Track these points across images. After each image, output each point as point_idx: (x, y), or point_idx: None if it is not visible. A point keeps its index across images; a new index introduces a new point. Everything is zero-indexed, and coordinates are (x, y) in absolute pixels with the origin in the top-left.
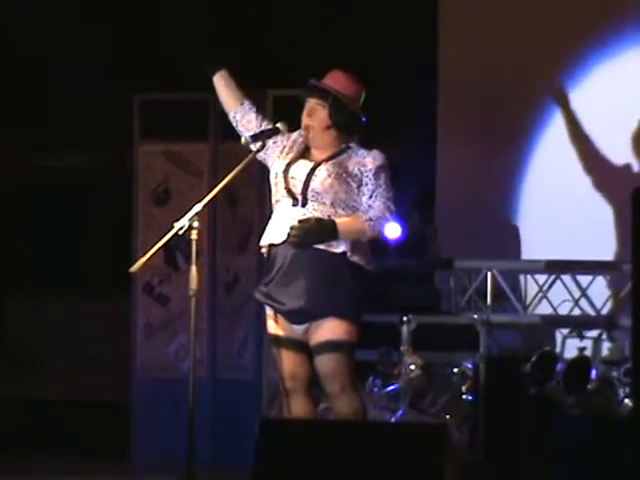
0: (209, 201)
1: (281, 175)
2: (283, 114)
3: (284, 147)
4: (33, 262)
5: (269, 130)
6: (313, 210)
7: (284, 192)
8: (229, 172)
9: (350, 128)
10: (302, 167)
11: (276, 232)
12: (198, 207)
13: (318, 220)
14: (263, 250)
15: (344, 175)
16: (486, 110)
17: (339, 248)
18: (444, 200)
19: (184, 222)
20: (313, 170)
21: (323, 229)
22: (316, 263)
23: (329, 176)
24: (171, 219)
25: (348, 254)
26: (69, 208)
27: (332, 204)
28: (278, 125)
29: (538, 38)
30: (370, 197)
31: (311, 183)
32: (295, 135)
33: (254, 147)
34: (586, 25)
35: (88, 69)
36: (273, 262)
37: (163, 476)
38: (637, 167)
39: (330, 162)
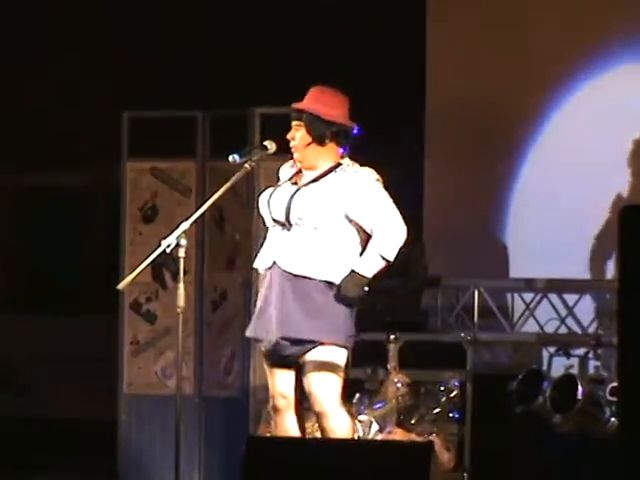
0: (197, 219)
1: (265, 204)
2: (271, 132)
3: (281, 176)
4: (20, 279)
5: (257, 148)
6: (298, 235)
7: (271, 221)
8: (217, 190)
9: (332, 138)
10: (283, 193)
11: (263, 257)
12: (186, 225)
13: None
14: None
15: (326, 198)
16: (473, 127)
17: (325, 276)
18: (431, 217)
19: (171, 240)
20: (293, 196)
21: (356, 283)
22: (300, 290)
23: (308, 201)
24: (158, 236)
25: (336, 282)
26: (56, 225)
27: (316, 228)
28: (266, 144)
29: (526, 54)
30: (374, 217)
31: (292, 209)
32: (290, 165)
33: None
34: (574, 42)
35: (76, 87)
36: (260, 288)
37: None
38: (626, 185)
39: (311, 185)
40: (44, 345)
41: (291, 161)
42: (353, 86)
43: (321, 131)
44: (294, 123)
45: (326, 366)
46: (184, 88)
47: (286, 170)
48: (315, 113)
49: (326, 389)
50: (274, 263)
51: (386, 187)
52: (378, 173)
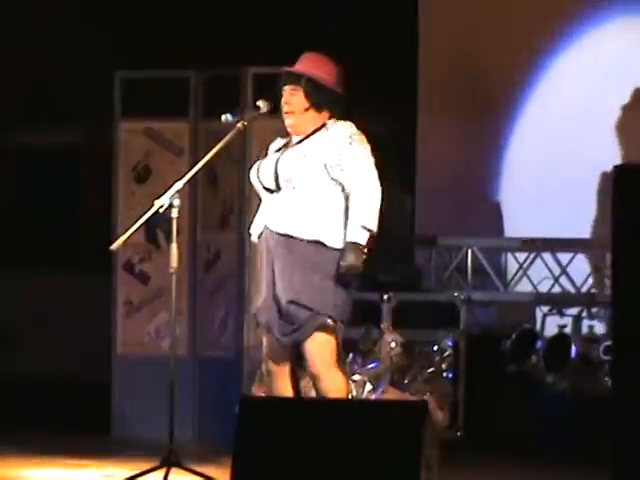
0: (190, 179)
1: (254, 178)
2: (263, 92)
3: (271, 151)
4: (13, 239)
5: (250, 108)
6: (286, 196)
7: (263, 190)
8: (210, 150)
9: (330, 106)
10: (270, 160)
11: (256, 225)
12: (179, 185)
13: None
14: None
15: (310, 157)
16: (467, 86)
17: (313, 236)
18: (425, 177)
19: (165, 200)
20: (277, 161)
21: (356, 252)
22: (293, 253)
23: (293, 160)
24: (151, 197)
25: (325, 242)
26: (49, 185)
27: (304, 187)
28: (259, 103)
29: (519, 11)
30: (349, 178)
31: (279, 171)
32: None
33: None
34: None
35: (68, 46)
36: (255, 255)
37: (144, 453)
38: (619, 143)
39: (296, 146)
40: (38, 304)
41: (279, 137)
42: (347, 42)
43: (320, 97)
44: (289, 87)
45: (321, 329)
46: (177, 48)
47: (275, 144)
48: (315, 78)
49: (321, 351)
50: (265, 227)
51: (375, 144)
52: (366, 132)
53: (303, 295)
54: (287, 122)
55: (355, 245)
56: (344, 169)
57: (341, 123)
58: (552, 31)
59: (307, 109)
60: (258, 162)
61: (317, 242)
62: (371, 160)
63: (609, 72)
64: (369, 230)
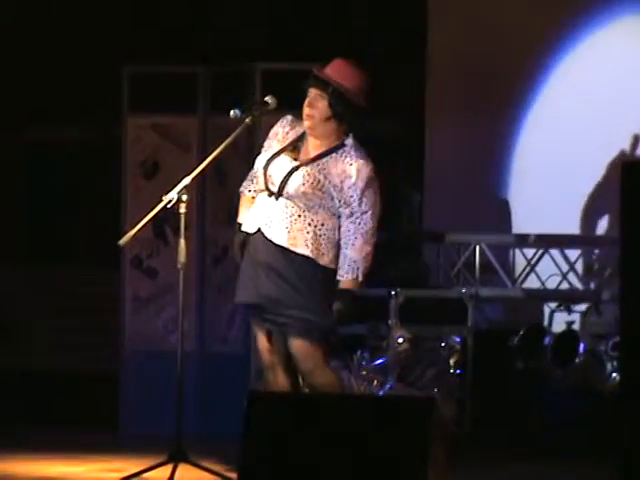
0: (198, 174)
1: (261, 171)
2: (272, 87)
3: (278, 137)
4: (22, 233)
5: (258, 103)
6: (285, 206)
7: (262, 186)
8: (218, 145)
9: (351, 119)
10: (281, 166)
11: (252, 221)
12: (187, 180)
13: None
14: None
15: (322, 183)
16: (475, 83)
17: (307, 252)
18: (433, 174)
19: (173, 195)
20: (290, 173)
21: (348, 300)
22: (284, 265)
23: (304, 184)
24: (160, 192)
25: (317, 260)
26: (58, 180)
27: (304, 206)
28: (267, 99)
29: (527, 10)
30: (350, 218)
31: (286, 186)
32: (296, 127)
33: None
34: None
35: (77, 41)
36: (246, 251)
37: (151, 448)
38: (627, 140)
39: (310, 165)
40: (47, 299)
41: (289, 120)
42: (355, 41)
43: (344, 110)
44: (315, 91)
45: (307, 336)
46: (185, 43)
47: (284, 129)
48: (343, 90)
49: (308, 349)
50: (259, 230)
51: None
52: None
53: (291, 302)
54: (306, 124)
55: (347, 293)
56: (354, 211)
57: (363, 162)
58: (561, 29)
59: (329, 118)
60: (266, 156)
61: (309, 258)
62: (378, 208)
63: (618, 69)
64: (360, 279)
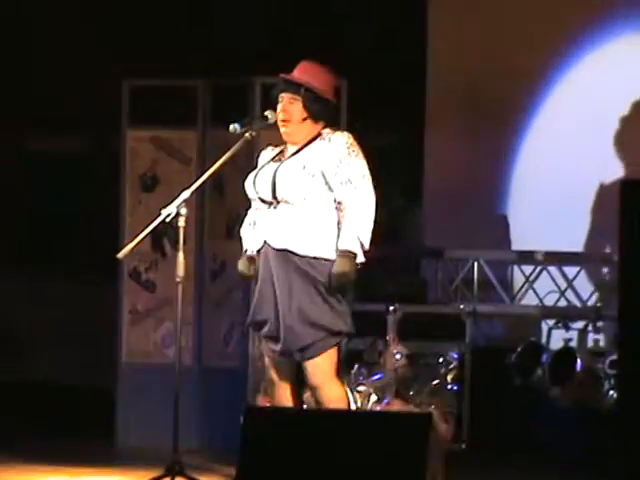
0: (197, 188)
1: (252, 187)
2: (271, 102)
3: (263, 160)
4: (19, 245)
5: (258, 118)
6: (283, 212)
7: (258, 202)
8: (217, 159)
9: (327, 117)
10: (267, 172)
11: (253, 239)
12: (186, 194)
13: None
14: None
15: (307, 167)
16: (476, 99)
17: (312, 252)
18: (432, 189)
19: (172, 209)
20: (276, 171)
21: (350, 260)
22: (294, 270)
23: (291, 174)
24: (158, 205)
25: (324, 256)
26: (56, 193)
27: (304, 199)
28: (267, 113)
29: (527, 25)
30: (342, 187)
31: (277, 187)
32: (276, 148)
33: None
34: (577, 11)
35: (77, 54)
36: (256, 270)
37: (148, 462)
38: (626, 159)
39: (292, 158)
40: (42, 311)
41: (270, 147)
42: (355, 55)
43: (318, 108)
44: (287, 95)
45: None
46: (185, 57)
47: (267, 154)
48: (315, 89)
49: (322, 365)
50: (265, 243)
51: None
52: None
53: (309, 314)
54: (283, 130)
55: (348, 253)
56: (342, 181)
57: (339, 133)
58: (562, 45)
59: (305, 119)
60: (253, 172)
61: (316, 258)
62: (368, 174)
63: (619, 86)
64: (362, 244)
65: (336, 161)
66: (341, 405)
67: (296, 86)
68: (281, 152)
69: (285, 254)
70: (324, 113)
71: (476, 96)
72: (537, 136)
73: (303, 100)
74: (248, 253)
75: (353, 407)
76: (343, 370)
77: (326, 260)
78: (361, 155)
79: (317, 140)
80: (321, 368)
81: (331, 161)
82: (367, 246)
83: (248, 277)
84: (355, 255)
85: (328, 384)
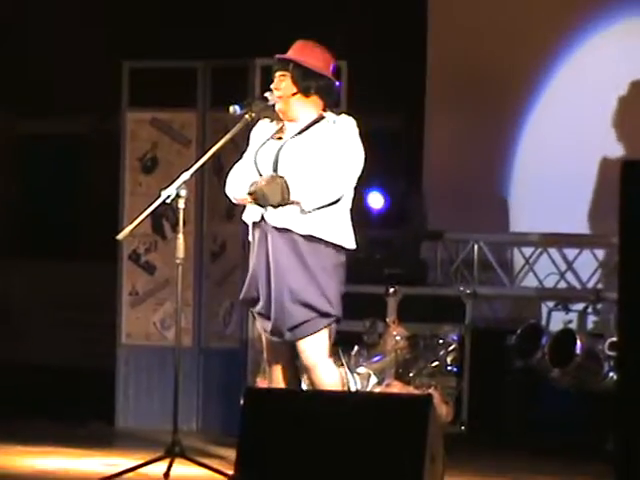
0: (197, 170)
1: (252, 164)
2: (271, 84)
3: (257, 135)
4: (19, 227)
5: (258, 99)
6: None
7: (258, 177)
8: (217, 141)
9: (318, 91)
10: (269, 149)
11: (251, 210)
12: (186, 175)
13: (273, 178)
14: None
15: (310, 149)
16: (476, 79)
17: (309, 230)
18: (431, 171)
19: (171, 190)
20: (280, 149)
21: (277, 187)
22: (291, 248)
23: (295, 153)
24: (158, 187)
25: (321, 236)
26: (56, 175)
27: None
28: (267, 95)
29: (530, 6)
30: (326, 169)
31: (279, 162)
32: (274, 123)
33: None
34: None
35: (76, 35)
36: (251, 244)
37: (148, 444)
38: (627, 140)
39: (297, 138)
40: (44, 293)
41: (263, 121)
42: (355, 37)
43: (307, 82)
44: (279, 73)
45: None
46: (185, 38)
47: (261, 129)
48: (302, 64)
49: (314, 346)
50: (262, 219)
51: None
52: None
53: (300, 294)
54: (278, 107)
55: (284, 183)
56: (330, 157)
57: (345, 118)
58: (565, 26)
59: (294, 94)
60: (254, 148)
61: (313, 237)
62: (354, 170)
63: (621, 68)
64: (305, 199)
65: (338, 144)
66: (334, 386)
67: (286, 63)
68: (279, 130)
69: (283, 233)
70: (315, 87)
71: (477, 79)
72: (538, 118)
73: (292, 75)
74: (244, 220)
75: (353, 389)
76: (343, 352)
77: (323, 241)
78: (360, 147)
79: (322, 122)
80: (313, 349)
81: (333, 144)
82: (307, 208)
83: None
84: (288, 194)
85: (321, 365)
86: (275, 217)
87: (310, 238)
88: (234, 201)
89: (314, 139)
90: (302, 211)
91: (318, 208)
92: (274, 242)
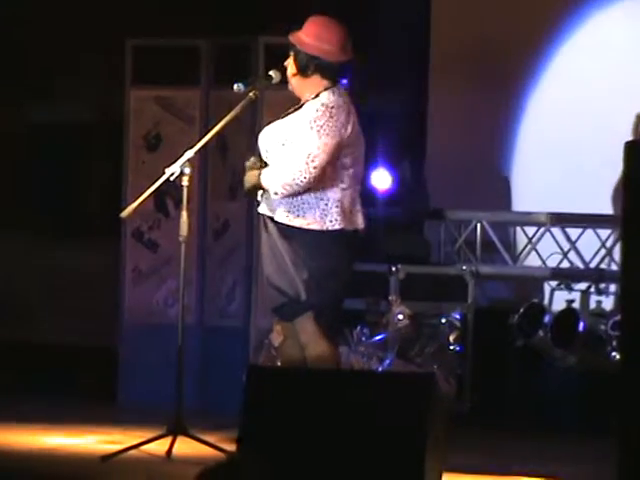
0: (200, 148)
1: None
2: (276, 61)
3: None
4: (21, 205)
5: (262, 77)
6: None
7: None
8: (221, 119)
9: (316, 71)
10: (265, 132)
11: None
12: (189, 153)
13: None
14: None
15: (288, 128)
16: (479, 61)
17: (279, 217)
18: (435, 150)
19: (175, 168)
20: (265, 132)
21: (252, 174)
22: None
23: (273, 134)
24: (162, 165)
25: (292, 223)
26: (59, 153)
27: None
28: (271, 73)
29: None
30: (294, 150)
31: (264, 145)
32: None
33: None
34: None
35: (79, 14)
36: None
37: (150, 421)
38: (630, 120)
39: (281, 120)
40: (47, 271)
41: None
42: (357, 19)
43: (304, 63)
44: (290, 52)
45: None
46: (188, 16)
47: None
48: (299, 45)
49: (299, 325)
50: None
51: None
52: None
53: (272, 278)
54: (290, 87)
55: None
56: (300, 135)
57: (323, 94)
58: (567, 6)
59: (294, 74)
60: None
61: (282, 223)
62: (318, 149)
63: (623, 49)
64: (270, 189)
65: (308, 121)
66: (327, 364)
67: (292, 44)
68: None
69: (264, 219)
70: (312, 67)
71: (479, 58)
72: (541, 97)
73: (293, 55)
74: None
75: (356, 367)
76: (345, 330)
77: (295, 227)
78: (331, 118)
79: (309, 102)
80: (304, 329)
81: (301, 125)
82: (273, 193)
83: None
84: (259, 179)
85: (314, 344)
86: (261, 205)
87: (281, 224)
88: None
89: (292, 120)
90: (274, 195)
91: (289, 194)
92: (259, 229)
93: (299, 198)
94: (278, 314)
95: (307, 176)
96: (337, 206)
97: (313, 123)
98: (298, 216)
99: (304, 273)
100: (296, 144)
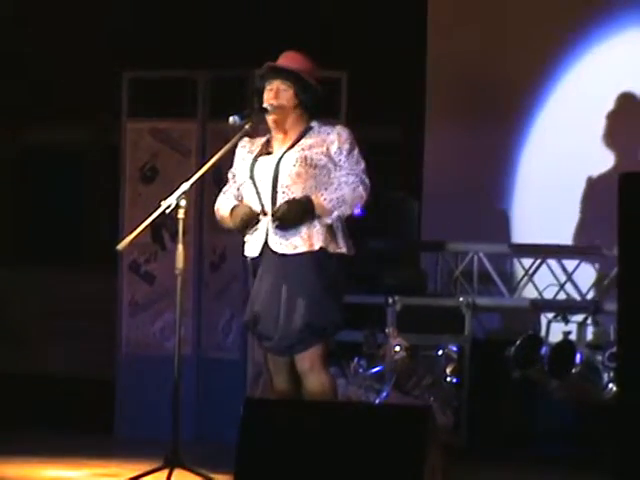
0: (196, 180)
1: (248, 181)
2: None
3: (246, 152)
4: (18, 237)
5: (257, 110)
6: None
7: (255, 197)
8: (217, 151)
9: (313, 104)
10: (265, 164)
11: (252, 245)
12: (185, 186)
13: (294, 200)
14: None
15: (310, 159)
16: (477, 91)
17: (316, 245)
18: (431, 182)
19: (171, 201)
20: (278, 163)
21: (301, 206)
22: (291, 268)
23: (294, 165)
24: (158, 197)
25: (327, 248)
26: (56, 184)
27: (303, 188)
28: (265, 105)
29: (530, 18)
30: (346, 175)
31: (279, 178)
32: (255, 140)
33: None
34: (579, 6)
35: (76, 45)
36: (255, 271)
37: (147, 453)
38: (626, 152)
39: (293, 149)
40: (43, 302)
41: (244, 140)
42: (355, 47)
43: (307, 97)
44: (277, 82)
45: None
46: (185, 48)
47: (244, 148)
48: (305, 78)
49: (307, 356)
50: (266, 246)
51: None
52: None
53: (299, 316)
54: (273, 117)
55: (308, 205)
56: (345, 167)
57: (338, 126)
58: (565, 38)
59: (295, 107)
60: (248, 166)
61: (313, 252)
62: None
63: (624, 78)
64: (334, 212)
65: (340, 154)
66: (326, 394)
67: (287, 74)
68: (267, 144)
69: (291, 257)
70: (311, 101)
71: (477, 89)
72: (538, 130)
73: (295, 88)
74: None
75: (352, 399)
76: (342, 362)
77: (328, 253)
78: (359, 151)
79: (313, 130)
80: (307, 358)
81: (334, 153)
82: (336, 213)
83: (252, 215)
84: (312, 210)
85: (312, 374)
86: (281, 246)
87: (317, 253)
88: (223, 223)
89: (309, 147)
90: (329, 220)
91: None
92: (278, 267)
93: (334, 223)
94: (290, 350)
95: (365, 196)
96: (344, 229)
97: (355, 148)
98: (332, 241)
99: (336, 301)
100: (342, 167)
